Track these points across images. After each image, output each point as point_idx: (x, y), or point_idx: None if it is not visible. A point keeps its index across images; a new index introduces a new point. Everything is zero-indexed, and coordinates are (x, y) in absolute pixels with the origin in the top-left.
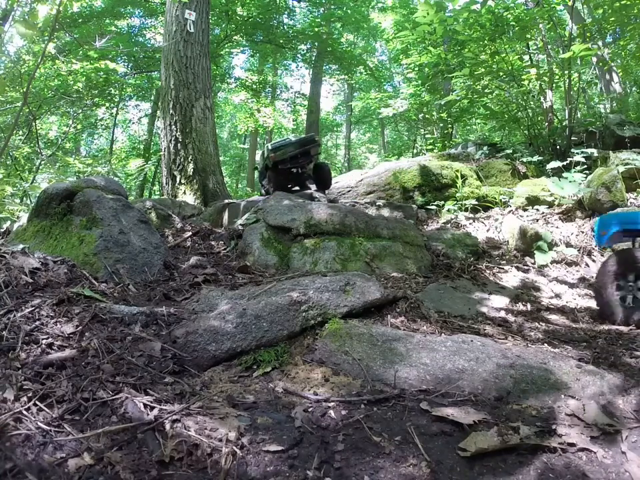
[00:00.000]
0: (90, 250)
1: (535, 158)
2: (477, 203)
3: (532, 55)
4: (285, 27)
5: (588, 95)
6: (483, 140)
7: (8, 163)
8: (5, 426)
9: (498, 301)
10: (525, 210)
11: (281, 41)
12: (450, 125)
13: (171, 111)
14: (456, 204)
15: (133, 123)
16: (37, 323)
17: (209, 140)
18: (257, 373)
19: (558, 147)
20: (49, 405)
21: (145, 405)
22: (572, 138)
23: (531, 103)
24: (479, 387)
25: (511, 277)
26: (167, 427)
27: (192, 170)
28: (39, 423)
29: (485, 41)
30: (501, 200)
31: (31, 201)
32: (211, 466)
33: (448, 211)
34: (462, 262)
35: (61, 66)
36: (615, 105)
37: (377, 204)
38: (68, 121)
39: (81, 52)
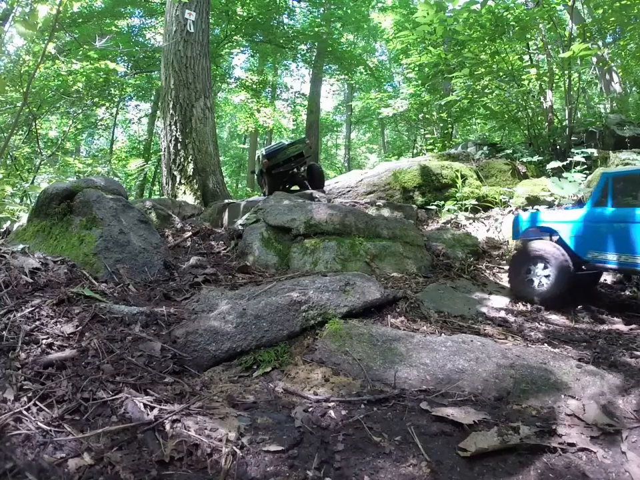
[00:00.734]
0: (90, 250)
1: (535, 158)
2: (477, 202)
3: (532, 54)
4: (285, 26)
5: (588, 94)
6: (483, 140)
7: (8, 162)
8: (5, 426)
9: (498, 301)
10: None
11: (281, 41)
12: (450, 125)
13: (170, 111)
14: (456, 204)
15: (133, 122)
16: (37, 323)
17: (209, 140)
18: (257, 372)
19: (558, 147)
20: (49, 404)
21: (145, 405)
22: (572, 138)
23: (531, 102)
24: (479, 387)
25: None
26: (167, 426)
27: (192, 170)
28: (39, 423)
29: (485, 41)
30: (501, 200)
31: (30, 200)
32: (210, 466)
33: (448, 210)
34: (462, 262)
35: (61, 66)
36: (615, 104)
37: (377, 204)
38: (68, 121)
39: (80, 52)
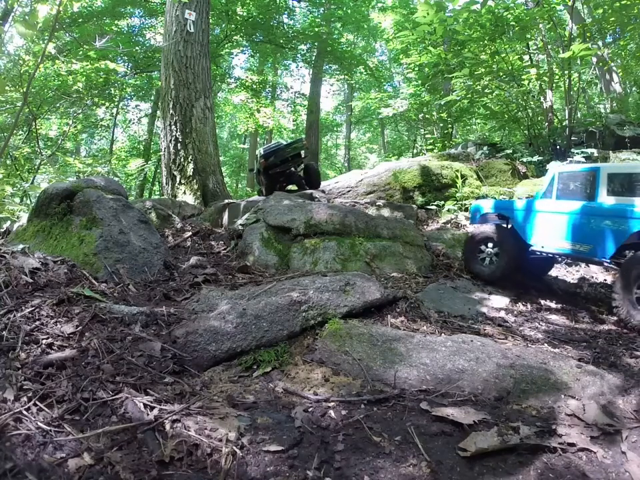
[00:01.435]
0: (90, 250)
1: (535, 158)
2: None
3: (532, 54)
4: (285, 26)
5: (588, 94)
6: (483, 140)
7: (8, 162)
8: (5, 426)
9: (498, 301)
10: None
11: (281, 41)
12: (450, 125)
13: (170, 111)
14: (456, 204)
15: (133, 123)
16: (37, 322)
17: (209, 140)
18: (257, 372)
19: (558, 146)
20: (49, 405)
21: (145, 405)
22: (572, 138)
23: (531, 102)
24: (479, 387)
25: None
26: (167, 426)
27: (192, 170)
28: (39, 423)
29: (485, 41)
30: None
31: (30, 200)
32: (211, 466)
33: (448, 210)
34: (462, 262)
35: (61, 66)
36: (615, 104)
37: (377, 204)
38: (68, 120)
39: (80, 52)
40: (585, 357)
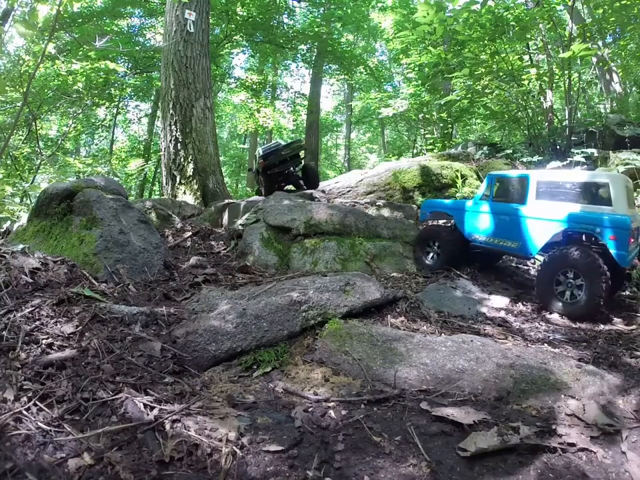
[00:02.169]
0: (90, 250)
1: (535, 158)
2: None
3: (532, 54)
4: (285, 26)
5: (588, 94)
6: (483, 140)
7: (8, 162)
8: (5, 426)
9: (498, 301)
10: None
11: (281, 41)
12: (450, 125)
13: (170, 111)
14: None
15: (133, 122)
16: (37, 322)
17: (209, 140)
18: (257, 373)
19: (558, 146)
20: (49, 405)
21: (145, 405)
22: (572, 138)
23: (531, 102)
24: (479, 387)
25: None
26: (167, 426)
27: (192, 170)
28: (39, 423)
29: (485, 41)
30: None
31: (30, 200)
32: (211, 466)
33: None
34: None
35: (61, 66)
36: (615, 104)
37: (377, 204)
38: (68, 120)
39: (80, 52)
40: (585, 357)
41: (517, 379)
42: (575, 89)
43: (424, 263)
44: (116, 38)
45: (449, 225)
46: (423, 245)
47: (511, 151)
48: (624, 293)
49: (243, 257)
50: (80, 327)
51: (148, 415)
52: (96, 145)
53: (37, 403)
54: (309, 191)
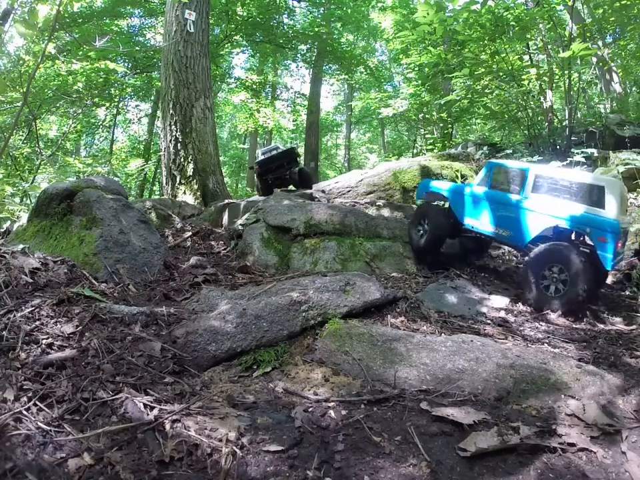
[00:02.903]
0: (90, 250)
1: (535, 158)
2: None
3: (532, 54)
4: (285, 26)
5: (588, 94)
6: (483, 140)
7: (8, 162)
8: (5, 426)
9: (498, 301)
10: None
11: (281, 41)
12: (450, 125)
13: (170, 111)
14: None
15: (133, 122)
16: (37, 322)
17: (209, 140)
18: (257, 373)
19: (558, 146)
20: (49, 405)
21: (145, 405)
22: (572, 138)
23: (531, 102)
24: (479, 387)
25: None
26: (167, 426)
27: (192, 170)
28: (39, 423)
29: (485, 41)
30: None
31: (30, 200)
32: (211, 466)
33: None
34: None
35: (61, 66)
36: (615, 104)
37: (377, 204)
38: (68, 120)
39: (80, 52)
40: (585, 357)
41: (517, 378)
42: (575, 88)
43: (416, 242)
44: (116, 38)
45: (440, 207)
46: (415, 221)
47: (510, 151)
48: (624, 293)
49: (243, 257)
50: (80, 327)
51: (148, 415)
52: (96, 145)
53: (37, 402)
54: (309, 191)
